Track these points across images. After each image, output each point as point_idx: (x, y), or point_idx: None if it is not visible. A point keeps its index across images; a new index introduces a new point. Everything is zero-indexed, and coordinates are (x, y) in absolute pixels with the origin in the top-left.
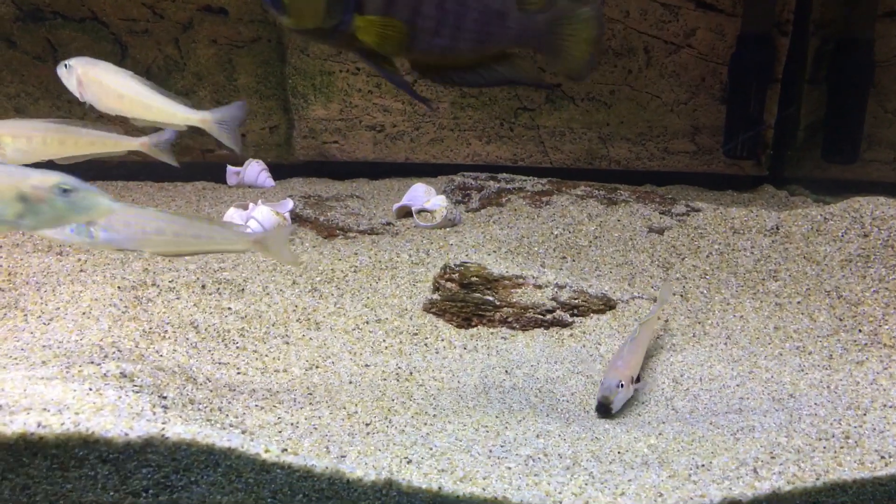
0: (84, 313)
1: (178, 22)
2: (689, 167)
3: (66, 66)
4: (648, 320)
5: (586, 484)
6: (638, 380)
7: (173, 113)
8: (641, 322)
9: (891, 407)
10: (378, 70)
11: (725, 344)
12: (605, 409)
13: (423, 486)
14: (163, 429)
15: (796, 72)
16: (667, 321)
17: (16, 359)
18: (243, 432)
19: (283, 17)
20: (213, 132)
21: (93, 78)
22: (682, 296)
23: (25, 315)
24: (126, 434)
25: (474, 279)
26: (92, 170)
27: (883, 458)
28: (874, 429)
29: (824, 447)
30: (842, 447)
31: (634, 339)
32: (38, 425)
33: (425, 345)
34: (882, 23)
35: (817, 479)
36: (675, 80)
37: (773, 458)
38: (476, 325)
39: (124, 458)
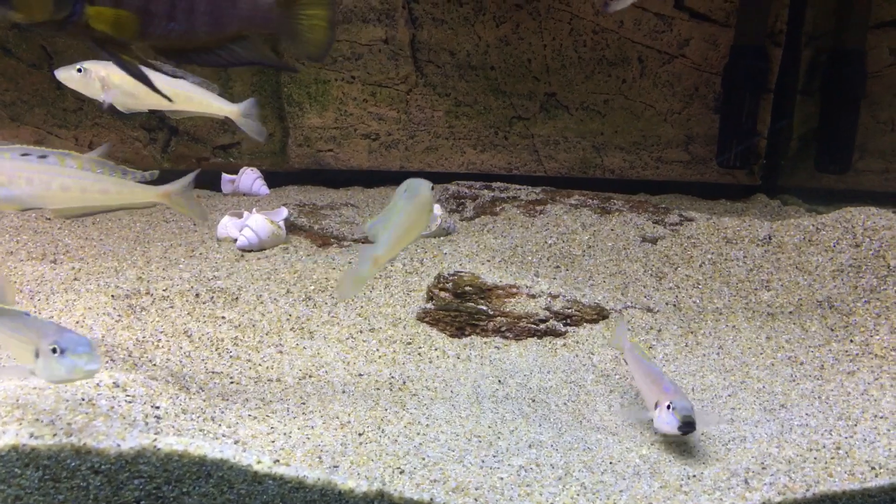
0: (77, 322)
1: None
2: (683, 176)
3: (80, 69)
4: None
5: (578, 494)
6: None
7: (210, 104)
8: (633, 347)
9: (881, 417)
10: (114, 60)
11: (718, 354)
12: (691, 427)
13: (415, 497)
14: (155, 440)
15: (789, 82)
16: (660, 331)
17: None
18: (236, 442)
19: (10, 12)
20: (241, 124)
21: (122, 79)
22: (674, 305)
23: None
24: (118, 445)
25: (468, 288)
26: None
27: (873, 468)
28: (865, 439)
29: (815, 458)
30: (832, 458)
31: (649, 362)
32: (31, 436)
33: (419, 354)
34: (873, 34)
35: (808, 490)
36: (668, 89)
37: (763, 468)
38: (470, 335)
39: (116, 470)
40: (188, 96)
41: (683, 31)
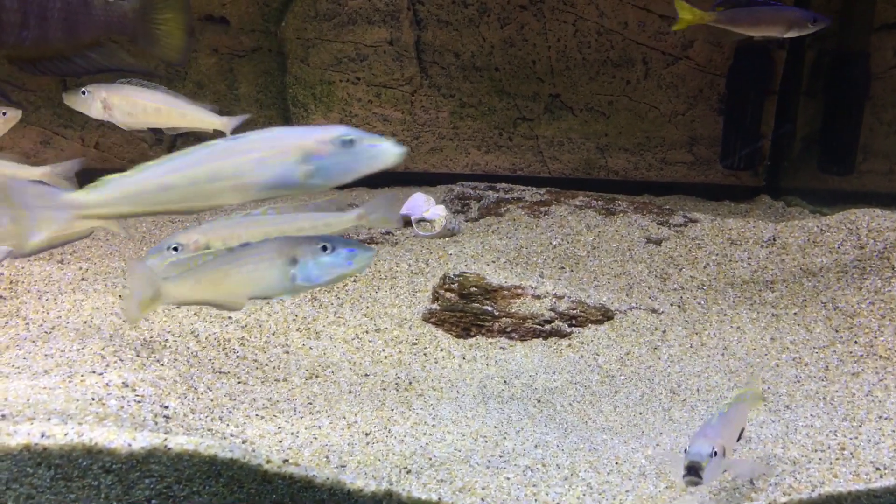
0: (85, 322)
1: None
2: (687, 178)
3: (84, 92)
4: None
5: (584, 494)
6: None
7: (206, 120)
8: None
9: (886, 418)
10: None
11: (722, 355)
12: (695, 474)
13: (423, 497)
14: (165, 439)
15: (793, 84)
16: (664, 332)
17: (18, 368)
18: (244, 442)
19: None
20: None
21: (121, 99)
22: (679, 306)
23: (27, 324)
24: (129, 445)
25: (473, 289)
26: (93, 176)
27: (878, 469)
28: (869, 440)
29: (820, 459)
30: (837, 459)
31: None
32: (42, 435)
33: (424, 355)
34: (877, 36)
35: (813, 490)
36: (673, 91)
37: (769, 468)
38: (475, 335)
39: (127, 469)
40: (181, 113)
41: (687, 33)
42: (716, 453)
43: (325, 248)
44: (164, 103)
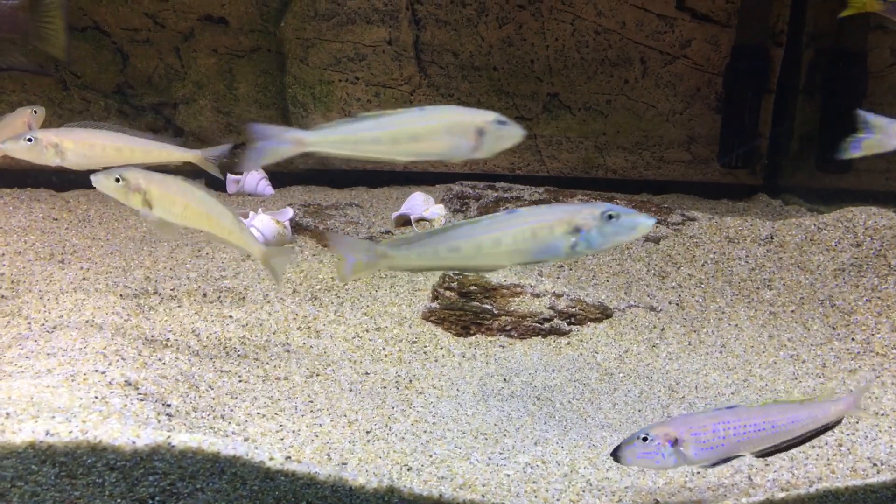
0: (87, 321)
1: (179, 31)
2: (685, 176)
3: (30, 140)
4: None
5: (583, 491)
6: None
7: (174, 154)
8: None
9: (883, 415)
10: None
11: (720, 352)
12: (616, 457)
13: (424, 494)
14: (169, 437)
15: (790, 82)
16: (663, 330)
17: (21, 367)
18: (246, 440)
19: None
20: (206, 167)
21: (75, 143)
22: (677, 304)
23: (29, 323)
24: (133, 442)
25: (473, 288)
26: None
27: (875, 465)
28: (866, 436)
29: (818, 455)
30: (835, 455)
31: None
32: (47, 433)
33: (424, 353)
34: (875, 34)
35: (811, 486)
36: (670, 90)
37: (767, 465)
38: (475, 334)
39: (131, 466)
40: (144, 150)
41: (685, 32)
42: (648, 439)
43: (610, 217)
44: (125, 142)
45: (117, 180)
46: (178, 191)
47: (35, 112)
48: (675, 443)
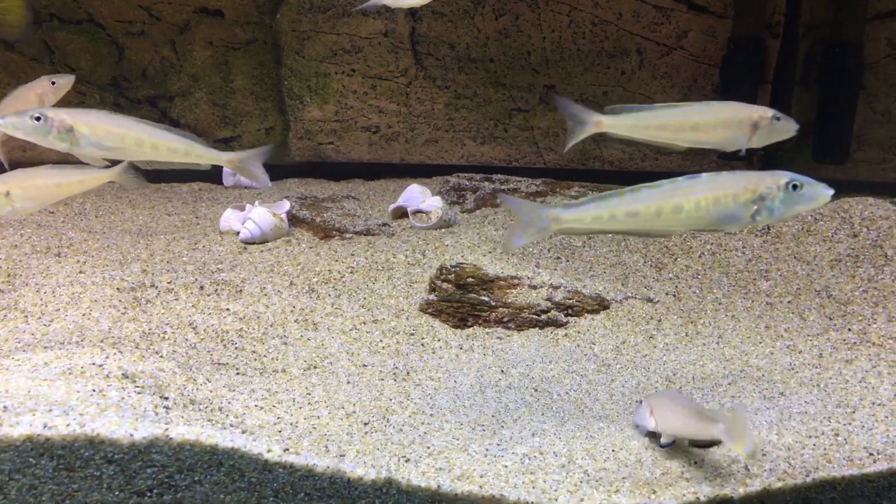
0: (84, 314)
1: (175, 24)
2: (682, 167)
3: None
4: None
5: (581, 482)
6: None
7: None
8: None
9: (879, 405)
10: None
11: (717, 343)
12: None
13: (423, 485)
14: (166, 429)
15: (787, 74)
16: (660, 321)
17: (18, 360)
18: (243, 432)
19: None
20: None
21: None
22: (674, 296)
23: (26, 316)
24: (131, 435)
25: (470, 280)
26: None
27: (871, 454)
28: (863, 426)
29: (814, 444)
30: (831, 444)
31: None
32: (45, 426)
33: (422, 345)
34: (871, 25)
35: (807, 475)
36: (667, 81)
37: (764, 455)
38: (472, 326)
39: (129, 459)
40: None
41: (682, 23)
42: (641, 403)
43: (794, 186)
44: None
45: (37, 119)
46: (109, 122)
47: (54, 82)
48: (651, 412)
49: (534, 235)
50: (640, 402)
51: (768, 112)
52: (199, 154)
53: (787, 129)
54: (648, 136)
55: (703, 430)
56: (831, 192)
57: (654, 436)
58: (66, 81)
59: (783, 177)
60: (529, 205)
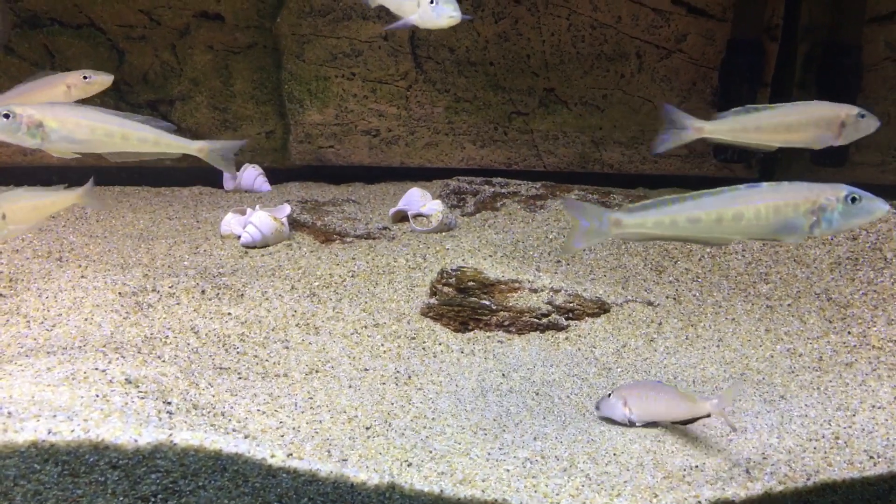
0: (86, 319)
1: (175, 28)
2: (681, 170)
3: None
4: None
5: (583, 485)
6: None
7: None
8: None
9: (879, 408)
10: None
11: (717, 346)
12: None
13: (425, 489)
14: (170, 435)
15: (785, 76)
16: (660, 324)
17: (21, 365)
18: (246, 437)
19: None
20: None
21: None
22: (675, 299)
23: (28, 321)
24: (135, 440)
25: (471, 283)
26: (89, 174)
27: (872, 458)
28: (863, 429)
29: (815, 448)
30: (832, 448)
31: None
32: (49, 432)
33: (423, 349)
34: (870, 28)
35: (808, 479)
36: (666, 84)
37: (764, 458)
38: (473, 329)
39: (134, 464)
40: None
41: (681, 26)
42: (611, 396)
43: (853, 199)
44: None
45: (5, 116)
46: (78, 114)
47: (86, 77)
48: (625, 403)
49: (594, 239)
50: (610, 395)
51: (854, 110)
52: (168, 143)
53: (871, 125)
54: (747, 138)
55: (694, 410)
56: (888, 206)
57: (625, 424)
58: (101, 80)
59: (843, 189)
60: (591, 208)
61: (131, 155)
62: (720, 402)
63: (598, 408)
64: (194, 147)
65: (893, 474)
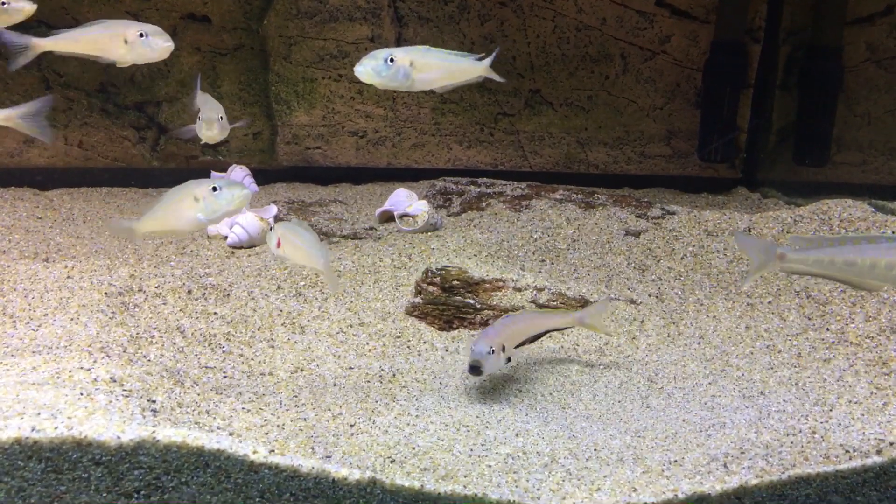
0: (72, 319)
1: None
2: (665, 170)
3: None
4: (550, 313)
5: (563, 480)
6: (509, 360)
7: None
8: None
9: (856, 403)
10: None
11: (699, 343)
12: (476, 371)
13: (406, 485)
14: (153, 432)
15: (768, 77)
16: (643, 322)
17: (6, 365)
18: (231, 434)
19: None
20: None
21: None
22: (657, 297)
23: (14, 321)
24: (118, 437)
25: (455, 283)
26: (76, 175)
27: (847, 451)
28: (840, 424)
29: (792, 442)
30: (809, 442)
31: (519, 316)
32: (33, 430)
33: (408, 347)
34: (850, 30)
35: (784, 472)
36: (651, 85)
37: (742, 453)
38: (457, 328)
39: (117, 461)
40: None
41: (665, 28)
42: (493, 351)
43: None
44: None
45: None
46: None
47: (142, 34)
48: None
49: (762, 271)
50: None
51: None
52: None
53: None
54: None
55: (558, 322)
56: None
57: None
58: (165, 45)
59: None
60: (762, 244)
61: None
62: (583, 315)
63: (478, 371)
64: (1, 115)
65: (866, 467)
